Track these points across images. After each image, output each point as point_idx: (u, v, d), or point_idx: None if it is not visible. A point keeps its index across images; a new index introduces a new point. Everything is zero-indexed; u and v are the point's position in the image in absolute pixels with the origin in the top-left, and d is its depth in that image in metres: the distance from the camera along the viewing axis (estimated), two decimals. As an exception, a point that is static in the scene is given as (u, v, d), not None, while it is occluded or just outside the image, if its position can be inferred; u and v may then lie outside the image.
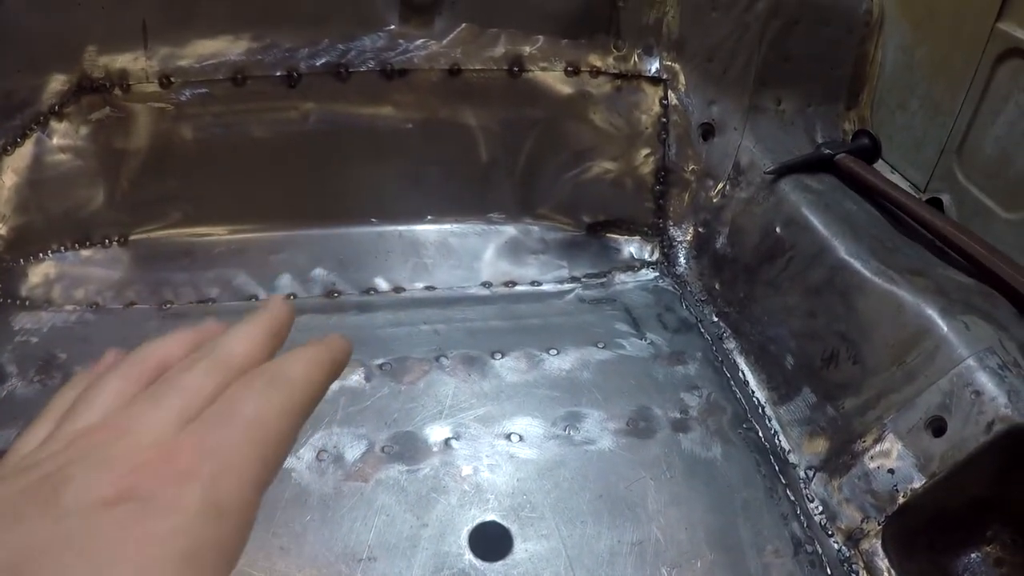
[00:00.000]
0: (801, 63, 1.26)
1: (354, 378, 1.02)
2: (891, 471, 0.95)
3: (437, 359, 1.04)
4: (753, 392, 1.08)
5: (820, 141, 1.29)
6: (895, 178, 1.27)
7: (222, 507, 0.27)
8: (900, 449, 0.95)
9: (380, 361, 1.04)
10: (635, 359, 1.07)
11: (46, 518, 0.25)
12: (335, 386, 1.00)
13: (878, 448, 0.97)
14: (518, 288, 1.18)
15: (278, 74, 1.14)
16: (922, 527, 0.95)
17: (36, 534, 0.25)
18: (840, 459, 1.00)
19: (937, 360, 0.96)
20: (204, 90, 1.13)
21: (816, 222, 1.11)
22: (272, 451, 0.30)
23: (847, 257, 1.07)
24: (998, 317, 1.00)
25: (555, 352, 1.07)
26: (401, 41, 1.16)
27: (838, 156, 1.21)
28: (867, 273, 1.04)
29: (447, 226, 1.23)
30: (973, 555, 0.97)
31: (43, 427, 0.32)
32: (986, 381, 0.90)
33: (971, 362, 0.93)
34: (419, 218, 1.23)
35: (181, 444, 0.29)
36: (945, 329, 0.96)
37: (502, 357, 1.05)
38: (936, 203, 1.22)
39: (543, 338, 1.09)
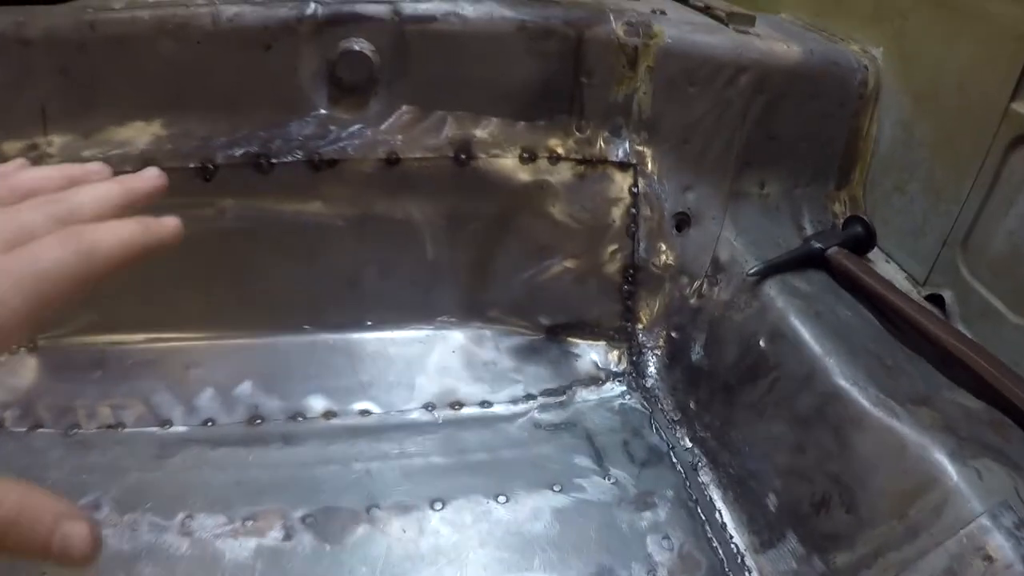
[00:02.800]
0: (788, 141, 1.12)
1: (272, 535, 0.88)
2: (889, 649, 0.82)
3: (368, 510, 0.90)
4: (731, 537, 0.95)
5: (807, 227, 1.15)
6: (891, 268, 1.14)
7: None
8: (900, 621, 0.82)
9: (303, 513, 0.90)
10: (596, 505, 0.94)
11: None
12: (251, 546, 0.88)
13: (875, 618, 0.84)
14: (465, 411, 1.04)
15: (192, 166, 1.00)
16: None
17: None
18: (832, 627, 0.87)
19: (945, 516, 0.82)
20: (108, 184, 0.98)
21: (806, 336, 0.97)
22: (44, 303, 0.35)
23: (842, 383, 0.93)
24: (1012, 455, 0.87)
25: (504, 499, 0.93)
26: (331, 127, 1.02)
27: (830, 251, 1.07)
28: (865, 404, 0.91)
29: (388, 333, 1.09)
30: None
31: None
32: (1001, 544, 0.77)
33: (984, 521, 0.80)
34: (357, 325, 1.09)
35: None
36: (955, 479, 0.82)
37: (442, 507, 0.91)
38: (937, 300, 1.08)
39: (491, 480, 0.95)
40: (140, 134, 0.99)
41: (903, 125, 1.13)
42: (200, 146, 1.00)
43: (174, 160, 1.00)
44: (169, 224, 0.45)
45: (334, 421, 1.01)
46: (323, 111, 1.03)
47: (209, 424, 1.00)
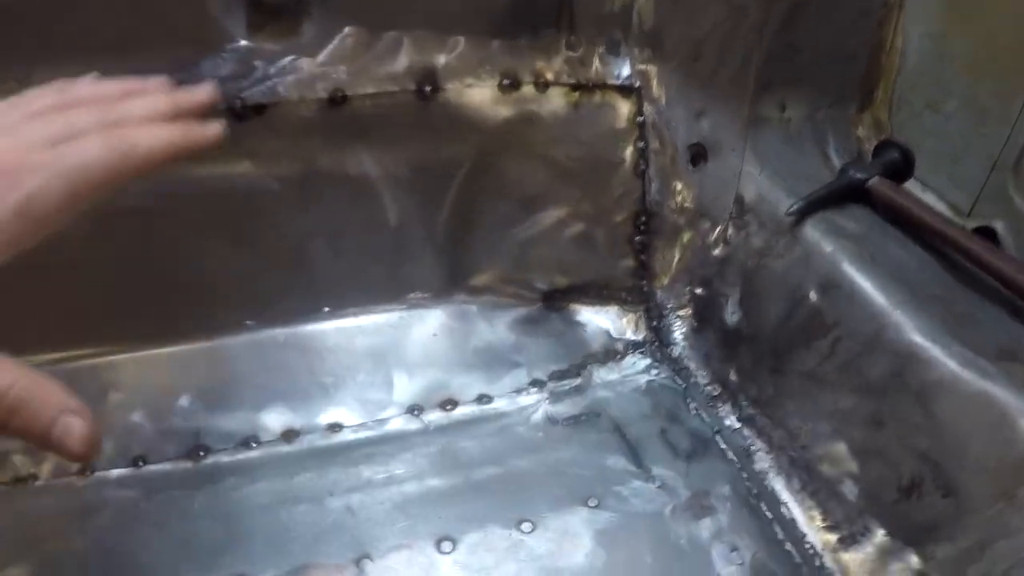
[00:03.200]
0: (810, 56, 0.95)
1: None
2: (1009, 649, 0.69)
3: (359, 563, 0.70)
4: (804, 535, 0.79)
5: (833, 156, 1.00)
6: (929, 198, 0.99)
7: (22, 210, 0.40)
8: (1018, 620, 0.69)
9: (271, 576, 0.68)
10: (644, 517, 0.76)
11: None
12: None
13: (987, 618, 0.70)
14: (460, 411, 0.84)
15: (77, 129, 0.74)
16: None
17: None
18: (937, 632, 0.73)
19: (1061, 493, 0.70)
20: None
21: (868, 286, 0.81)
22: (84, 192, 0.43)
23: (918, 339, 0.77)
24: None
25: (530, 527, 0.73)
26: (255, 63, 0.79)
27: (871, 181, 0.90)
28: (950, 363, 0.75)
29: (350, 321, 0.88)
30: None
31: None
32: None
33: (1106, 493, 0.67)
34: (311, 314, 0.88)
35: (22, 157, 0.41)
36: (1071, 449, 0.69)
37: (453, 548, 0.72)
38: (988, 233, 0.95)
39: (508, 501, 0.76)
40: (10, 93, 0.74)
41: (934, 36, 0.98)
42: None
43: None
44: (211, 129, 0.50)
45: (296, 444, 0.80)
46: (242, 42, 0.79)
47: (140, 464, 0.79)
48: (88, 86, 0.51)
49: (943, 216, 0.92)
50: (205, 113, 0.52)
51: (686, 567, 0.73)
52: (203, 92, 0.54)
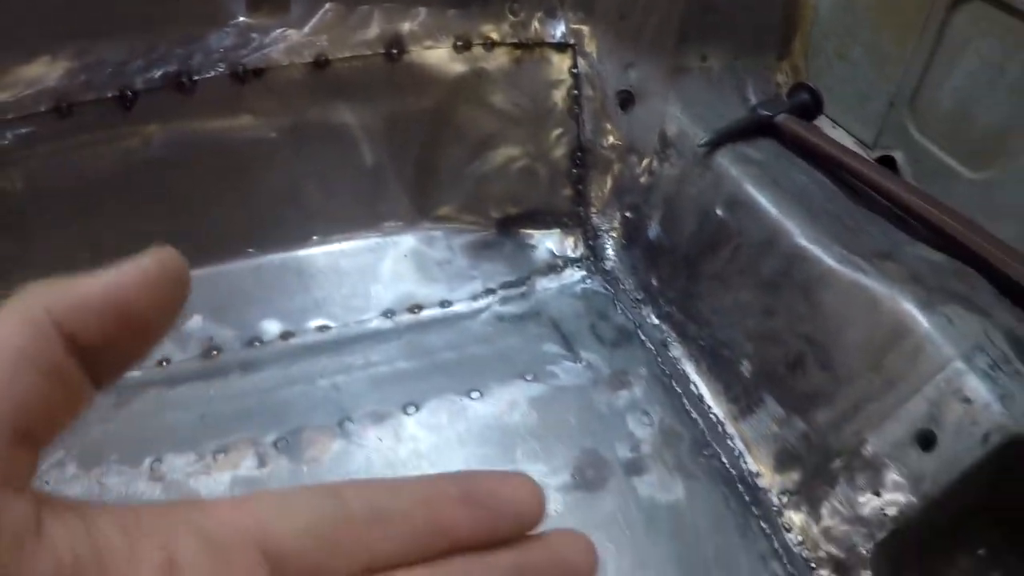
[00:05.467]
0: (725, 12, 1.09)
1: (246, 464, 0.85)
2: (876, 493, 0.83)
3: (341, 424, 0.87)
4: (710, 408, 0.94)
5: (752, 98, 1.13)
6: (838, 134, 1.13)
7: None
8: (885, 468, 0.83)
9: (273, 437, 0.86)
10: (571, 389, 0.92)
11: None
12: (226, 479, 0.83)
13: (859, 467, 0.85)
14: (425, 313, 1.01)
15: (110, 95, 0.93)
16: (913, 545, 0.85)
17: None
18: (817, 481, 0.87)
19: (920, 363, 0.83)
20: (26, 129, 0.91)
21: (764, 201, 0.96)
22: None
23: (805, 243, 0.92)
24: (980, 303, 0.88)
25: (477, 395, 0.90)
26: (253, 35, 0.96)
27: (778, 117, 1.05)
28: (830, 261, 0.90)
29: (336, 246, 1.05)
30: (964, 562, 0.86)
31: None
32: (977, 385, 0.78)
33: (959, 364, 0.80)
34: (303, 241, 1.04)
35: None
36: (926, 325, 0.83)
37: (416, 411, 0.89)
38: (888, 162, 1.09)
39: (461, 377, 0.92)
40: (50, 69, 0.92)
41: (843, -11, 1.12)
42: (115, 73, 0.94)
43: (90, 92, 0.93)
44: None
45: (292, 341, 0.97)
46: (242, 18, 0.96)
47: (164, 364, 0.96)
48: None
49: (842, 146, 1.05)
50: None
51: (603, 427, 0.89)
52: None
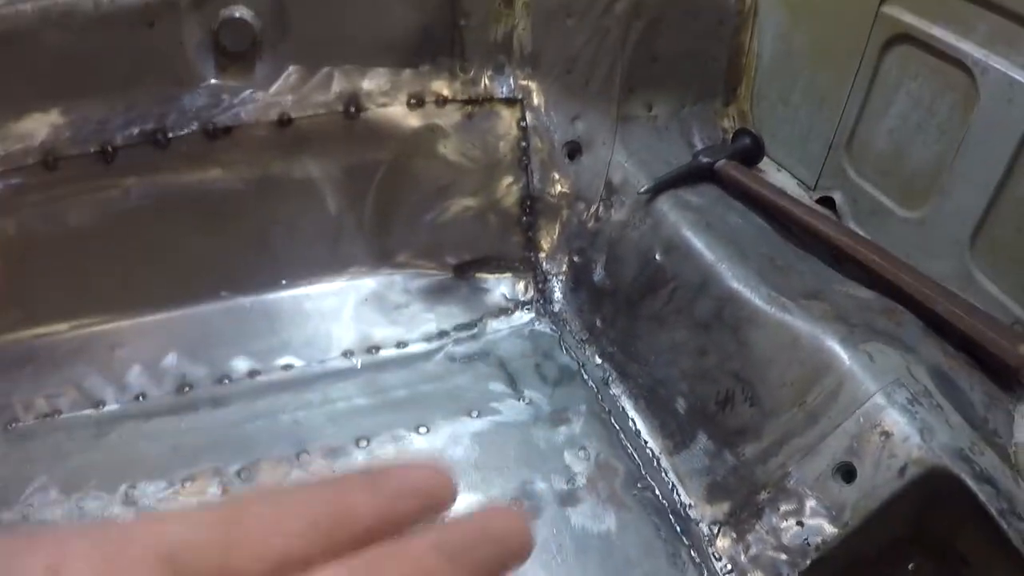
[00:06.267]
0: (671, 62, 1.16)
1: (211, 492, 0.92)
2: (800, 523, 0.88)
3: (297, 456, 0.94)
4: (646, 442, 1.00)
5: (698, 144, 1.20)
6: (782, 177, 1.18)
7: None
8: (808, 499, 0.88)
9: (237, 467, 0.94)
10: (513, 425, 0.98)
11: None
12: (192, 505, 0.90)
13: (784, 499, 0.90)
14: (382, 354, 1.08)
15: (92, 150, 1.01)
16: (840, 573, 0.89)
17: None
18: (745, 512, 0.92)
19: (841, 399, 0.88)
20: (16, 180, 1.00)
21: (699, 245, 1.02)
22: None
23: (735, 285, 0.98)
24: (904, 338, 0.93)
25: (424, 430, 0.97)
26: (223, 96, 1.04)
27: (718, 164, 1.11)
28: (758, 302, 0.96)
29: (302, 290, 1.12)
30: (893, 588, 0.91)
31: None
32: (896, 419, 0.83)
33: (878, 399, 0.85)
34: (272, 285, 1.11)
35: None
36: (847, 363, 0.88)
37: (367, 444, 0.96)
38: (828, 202, 1.13)
39: (411, 413, 0.99)
40: (38, 125, 1.00)
41: (782, 38, 1.17)
42: (98, 130, 1.01)
43: (74, 147, 1.01)
44: None
45: (259, 379, 1.05)
46: (213, 80, 1.04)
47: (140, 399, 1.03)
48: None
49: (777, 189, 1.11)
50: None
51: (541, 460, 0.95)
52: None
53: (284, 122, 1.06)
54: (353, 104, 1.07)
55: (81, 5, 0.97)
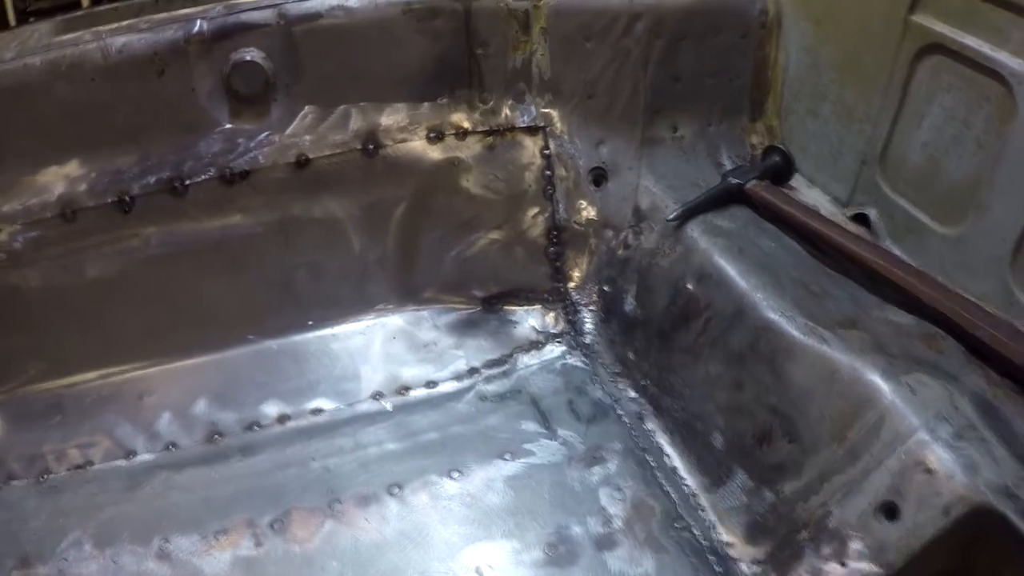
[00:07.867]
0: (694, 80, 1.13)
1: (245, 544, 0.92)
2: (842, 563, 0.85)
3: (331, 505, 0.94)
4: (683, 479, 0.98)
5: (726, 163, 1.17)
6: (814, 193, 1.14)
7: None
8: (850, 540, 0.85)
9: (269, 518, 0.93)
10: (546, 467, 0.97)
11: None
12: (227, 559, 0.91)
13: (826, 539, 0.87)
14: (412, 394, 1.07)
15: (109, 201, 1.01)
16: (884, 611, 0.87)
17: None
18: (786, 552, 0.90)
19: (883, 434, 0.85)
20: (36, 233, 1.00)
21: (732, 273, 0.99)
22: None
23: (770, 315, 0.95)
24: (945, 366, 0.90)
25: (457, 474, 0.96)
26: (238, 140, 1.03)
27: (748, 184, 1.08)
28: (794, 333, 0.93)
29: (328, 330, 1.11)
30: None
31: None
32: (940, 455, 0.80)
33: (922, 435, 0.82)
34: (298, 327, 1.11)
35: None
36: (889, 396, 0.85)
37: (400, 491, 0.95)
38: (862, 219, 1.10)
39: (444, 457, 0.98)
40: (55, 179, 1.00)
41: (808, 49, 1.14)
42: (114, 180, 1.01)
43: (91, 198, 1.01)
44: None
45: (289, 424, 1.04)
46: (228, 125, 1.03)
47: (171, 448, 1.03)
48: None
49: (809, 209, 1.08)
50: None
51: (576, 503, 0.93)
52: None
53: (302, 163, 1.05)
54: (371, 141, 1.06)
55: (89, 56, 0.97)
